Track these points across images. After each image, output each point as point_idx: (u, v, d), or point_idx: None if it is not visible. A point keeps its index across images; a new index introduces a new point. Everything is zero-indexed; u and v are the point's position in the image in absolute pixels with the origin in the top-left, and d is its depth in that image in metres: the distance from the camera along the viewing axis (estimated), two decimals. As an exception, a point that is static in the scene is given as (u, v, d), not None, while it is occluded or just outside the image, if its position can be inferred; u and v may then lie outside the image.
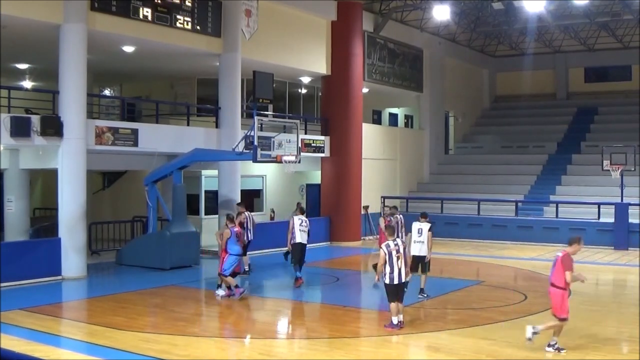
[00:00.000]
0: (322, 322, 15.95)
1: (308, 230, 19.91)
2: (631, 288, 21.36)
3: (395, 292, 14.12)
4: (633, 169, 28.93)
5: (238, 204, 22.45)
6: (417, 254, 17.52)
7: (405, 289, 14.70)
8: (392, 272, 14.06)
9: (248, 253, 21.47)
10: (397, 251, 14.13)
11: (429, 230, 17.55)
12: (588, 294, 19.33)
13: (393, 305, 14.12)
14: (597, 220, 29.05)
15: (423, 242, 17.52)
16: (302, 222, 19.87)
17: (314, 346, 13.31)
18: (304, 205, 25.09)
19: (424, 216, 18.05)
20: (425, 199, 34.46)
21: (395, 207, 21.67)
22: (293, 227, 19.72)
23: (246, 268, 21.23)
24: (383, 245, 14.33)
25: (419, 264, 17.53)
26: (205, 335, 14.33)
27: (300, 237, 19.68)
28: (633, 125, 36.96)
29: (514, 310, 16.24)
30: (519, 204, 31.75)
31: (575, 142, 38.43)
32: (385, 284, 14.23)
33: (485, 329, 14.54)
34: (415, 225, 17.72)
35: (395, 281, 14.08)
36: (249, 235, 21.34)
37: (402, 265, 14.16)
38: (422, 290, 17.62)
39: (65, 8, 20.01)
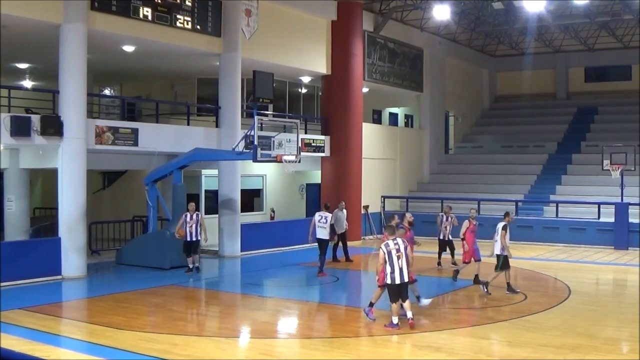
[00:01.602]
0: (322, 322, 15.96)
1: (331, 226, 21.49)
2: (631, 288, 21.34)
3: (397, 292, 14.06)
4: (633, 168, 28.93)
5: (190, 202, 22.12)
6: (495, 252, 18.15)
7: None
8: (392, 272, 14.01)
9: (195, 254, 21.56)
10: (398, 250, 14.05)
11: (502, 229, 17.90)
12: (588, 293, 19.37)
13: (394, 305, 14.09)
14: (597, 220, 29.06)
15: (497, 240, 17.94)
16: (321, 218, 21.26)
17: (314, 346, 13.30)
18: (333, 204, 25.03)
19: (504, 215, 18.60)
20: (426, 198, 34.47)
21: (449, 207, 23.17)
22: (314, 224, 21.32)
23: (196, 265, 21.32)
24: (382, 245, 14.29)
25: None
26: (205, 334, 14.34)
27: (319, 232, 21.21)
28: (633, 125, 36.94)
29: (514, 310, 16.23)
30: (519, 203, 31.74)
31: (575, 141, 38.41)
32: (386, 284, 14.20)
33: (486, 328, 14.55)
34: (497, 226, 18.25)
35: (397, 281, 14.02)
36: (197, 236, 21.11)
37: (404, 265, 14.05)
38: (508, 286, 18.03)
39: (65, 8, 20.01)
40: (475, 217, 20.00)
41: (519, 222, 29.96)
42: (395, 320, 14.07)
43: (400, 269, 14.02)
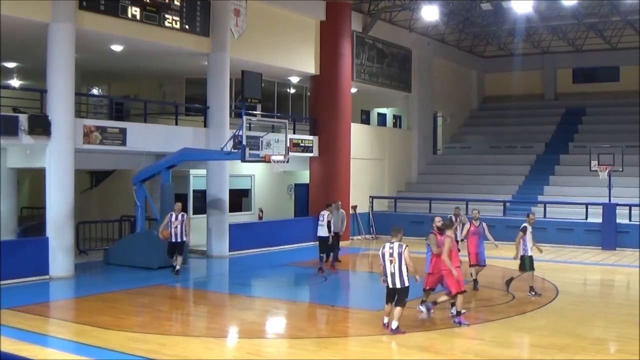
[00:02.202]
0: (310, 322, 15.95)
1: (329, 222, 21.86)
2: (619, 288, 21.47)
3: (390, 294, 13.85)
4: (620, 169, 29.06)
5: (177, 202, 21.61)
6: None
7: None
8: (385, 275, 13.89)
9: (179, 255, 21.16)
10: (391, 255, 13.74)
11: (521, 230, 18.08)
12: (575, 293, 19.42)
13: (386, 306, 13.99)
14: (584, 221, 29.16)
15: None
16: (319, 217, 22.22)
17: (302, 346, 13.28)
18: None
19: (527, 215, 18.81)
20: (414, 199, 34.50)
21: (458, 208, 22.67)
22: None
23: (177, 267, 20.95)
24: (381, 247, 14.12)
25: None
26: (193, 334, 14.31)
27: (318, 231, 22.05)
28: (621, 126, 37.16)
29: (502, 310, 16.26)
30: (507, 204, 31.81)
31: (563, 142, 38.51)
32: None
33: (473, 328, 14.56)
34: None
35: (390, 285, 13.85)
36: (182, 237, 20.74)
37: (396, 269, 13.71)
38: (530, 289, 18.00)
39: (53, 7, 19.93)
40: (478, 218, 19.33)
41: (507, 222, 30.04)
42: (385, 320, 14.03)
43: (392, 274, 13.74)
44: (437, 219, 16.53)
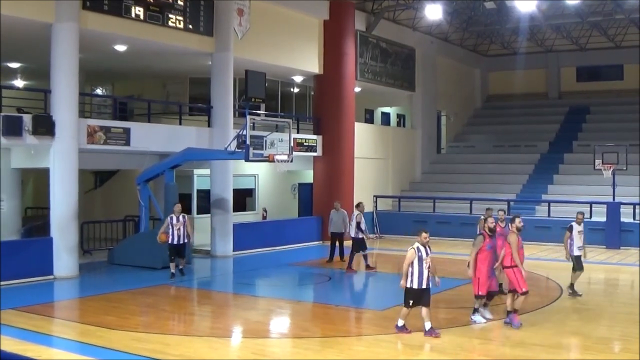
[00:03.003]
0: (314, 322, 15.93)
1: (358, 224, 22.11)
2: (623, 287, 21.43)
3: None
4: (625, 168, 29.02)
5: (176, 203, 21.34)
6: None
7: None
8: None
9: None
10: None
11: (567, 229, 18.28)
12: (580, 292, 19.37)
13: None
14: (588, 219, 28.99)
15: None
16: (351, 217, 22.83)
17: (306, 345, 13.29)
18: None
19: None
20: (418, 198, 34.49)
21: (490, 209, 20.63)
22: None
23: (180, 267, 20.87)
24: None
25: None
26: (197, 334, 14.31)
27: (350, 231, 22.55)
28: (625, 124, 37.10)
29: (505, 309, 16.21)
30: (511, 202, 31.76)
31: (567, 141, 38.49)
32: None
33: (478, 328, 14.54)
34: None
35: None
36: (184, 239, 20.57)
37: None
38: (570, 286, 18.17)
39: (57, 7, 19.95)
40: (504, 220, 17.93)
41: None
42: (426, 325, 13.78)
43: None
44: (491, 220, 15.38)
